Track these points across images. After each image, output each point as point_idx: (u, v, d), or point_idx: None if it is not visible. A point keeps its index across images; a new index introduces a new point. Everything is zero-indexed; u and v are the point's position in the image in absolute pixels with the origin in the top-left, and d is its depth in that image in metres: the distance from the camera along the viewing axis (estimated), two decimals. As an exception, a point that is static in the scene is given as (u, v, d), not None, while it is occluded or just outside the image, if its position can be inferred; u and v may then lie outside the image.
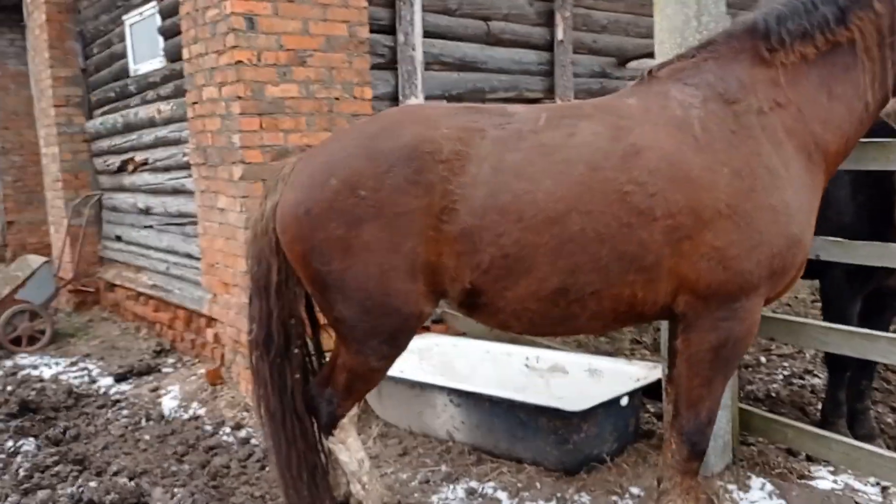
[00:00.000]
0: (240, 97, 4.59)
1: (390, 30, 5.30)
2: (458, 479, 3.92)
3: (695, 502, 3.00)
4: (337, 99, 4.89)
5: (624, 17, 6.81)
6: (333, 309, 2.84)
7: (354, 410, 3.13)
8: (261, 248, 2.99)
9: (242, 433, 4.74)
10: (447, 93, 5.72)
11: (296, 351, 3.12)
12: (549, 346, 4.86)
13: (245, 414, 5.05)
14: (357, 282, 2.73)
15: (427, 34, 5.47)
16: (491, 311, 2.83)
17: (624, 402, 3.89)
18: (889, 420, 4.50)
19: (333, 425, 3.08)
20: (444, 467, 4.05)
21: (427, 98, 5.48)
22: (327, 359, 3.27)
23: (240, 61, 4.54)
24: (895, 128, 3.43)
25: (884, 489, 3.57)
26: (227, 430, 4.81)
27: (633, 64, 6.84)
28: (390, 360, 2.95)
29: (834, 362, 4.07)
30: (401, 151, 2.69)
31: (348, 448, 3.13)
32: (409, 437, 4.45)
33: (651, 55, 6.70)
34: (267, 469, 4.19)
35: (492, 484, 3.85)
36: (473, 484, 3.86)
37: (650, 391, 4.12)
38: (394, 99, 5.37)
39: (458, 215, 2.66)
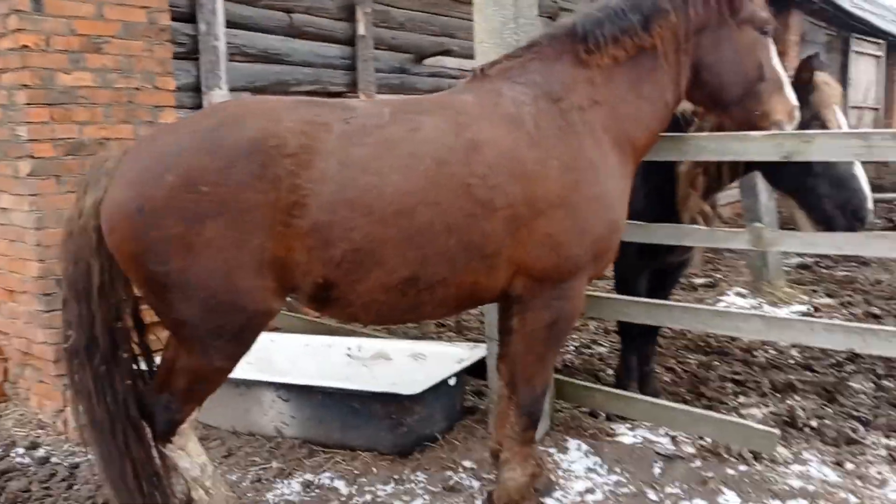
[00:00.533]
0: (26, 85, 4.16)
1: (190, 18, 5.08)
2: (291, 473, 3.91)
3: (532, 468, 3.27)
4: (137, 89, 4.59)
5: (419, 15, 7.04)
6: (173, 310, 2.71)
7: (195, 414, 3.01)
8: (78, 248, 2.77)
9: (40, 452, 4.34)
10: (251, 84, 5.59)
11: (124, 356, 2.93)
12: (370, 335, 4.97)
13: (40, 431, 4.64)
14: (200, 281, 2.63)
15: (230, 24, 5.30)
16: (342, 304, 2.85)
17: (452, 382, 4.11)
18: (666, 378, 5.13)
19: (172, 432, 2.94)
20: (275, 463, 4.01)
21: (232, 90, 5.32)
22: (157, 361, 3.12)
23: (25, 46, 4.12)
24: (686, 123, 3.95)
25: (673, 438, 4.10)
26: (20, 451, 4.38)
27: (429, 61, 7.10)
28: (235, 359, 2.88)
29: (626, 331, 4.58)
30: (244, 145, 2.62)
31: (189, 454, 3.00)
32: (233, 438, 4.34)
33: (446, 53, 7.07)
34: (76, 487, 3.91)
35: (328, 474, 3.88)
36: (308, 476, 3.87)
37: (471, 370, 4.39)
38: (196, 90, 5.15)
39: (308, 210, 2.65)
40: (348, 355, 4.84)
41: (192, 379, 2.86)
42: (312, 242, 2.68)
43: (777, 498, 3.44)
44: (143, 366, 3.06)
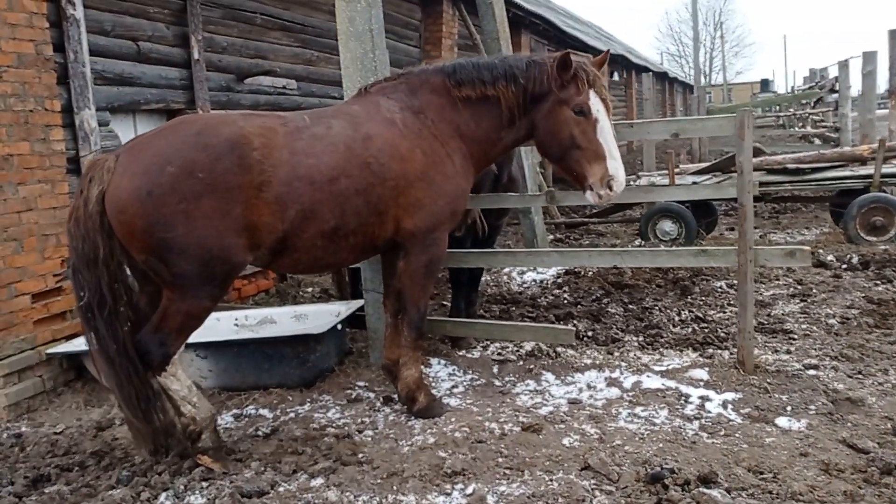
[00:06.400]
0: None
1: (59, 48, 5.69)
2: (220, 411, 4.85)
3: (420, 367, 4.60)
4: (31, 111, 5.23)
5: (238, 41, 8.01)
6: (174, 266, 3.66)
7: (182, 348, 3.95)
8: (87, 229, 3.65)
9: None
10: (111, 104, 6.28)
11: (122, 309, 3.82)
12: (253, 307, 5.95)
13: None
14: (198, 241, 3.63)
15: (91, 52, 5.98)
16: (291, 251, 3.99)
17: (339, 327, 5.30)
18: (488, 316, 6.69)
19: (167, 362, 3.86)
20: (202, 409, 4.93)
21: (98, 110, 5.99)
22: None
23: (-60, 76, 4.66)
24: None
25: (500, 353, 5.64)
26: None
27: (249, 80, 8.10)
28: (217, 300, 3.91)
29: (455, 280, 6.05)
30: (225, 144, 3.69)
31: (178, 378, 3.93)
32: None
33: (265, 73, 8.14)
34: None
35: (251, 407, 4.90)
36: (236, 411, 4.86)
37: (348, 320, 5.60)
38: (68, 111, 5.75)
39: (272, 186, 3.78)
40: (236, 325, 5.80)
41: (185, 319, 3.82)
42: (276, 208, 3.82)
43: (578, 371, 5.09)
44: (133, 317, 3.94)
